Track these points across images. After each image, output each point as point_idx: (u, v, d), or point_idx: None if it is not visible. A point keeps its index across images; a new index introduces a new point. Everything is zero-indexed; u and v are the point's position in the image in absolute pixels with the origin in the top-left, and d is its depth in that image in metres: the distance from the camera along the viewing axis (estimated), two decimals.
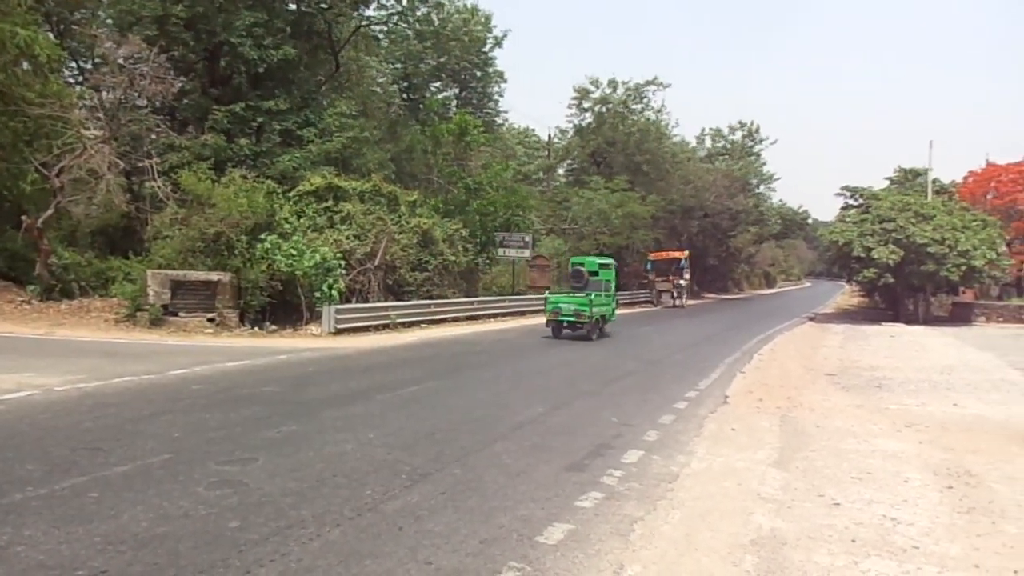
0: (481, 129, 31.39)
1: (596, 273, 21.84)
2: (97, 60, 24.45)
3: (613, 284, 22.57)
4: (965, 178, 45.12)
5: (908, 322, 29.91)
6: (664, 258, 41.92)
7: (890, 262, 28.67)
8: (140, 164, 21.30)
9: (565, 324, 19.47)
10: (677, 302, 40.77)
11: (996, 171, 42.00)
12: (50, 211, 19.45)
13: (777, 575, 4.39)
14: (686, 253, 43.03)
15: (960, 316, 32.15)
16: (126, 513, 4.99)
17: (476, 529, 4.96)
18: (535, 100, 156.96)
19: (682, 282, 41.37)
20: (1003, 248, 31.27)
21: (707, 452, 7.44)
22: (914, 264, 28.82)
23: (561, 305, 19.57)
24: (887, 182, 49.25)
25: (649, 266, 41.81)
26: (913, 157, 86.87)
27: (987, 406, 10.51)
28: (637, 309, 38.53)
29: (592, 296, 19.69)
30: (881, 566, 4.55)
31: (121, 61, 21.37)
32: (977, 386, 12.45)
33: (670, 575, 4.37)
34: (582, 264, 22.66)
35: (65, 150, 19.60)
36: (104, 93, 21.39)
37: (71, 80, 24.98)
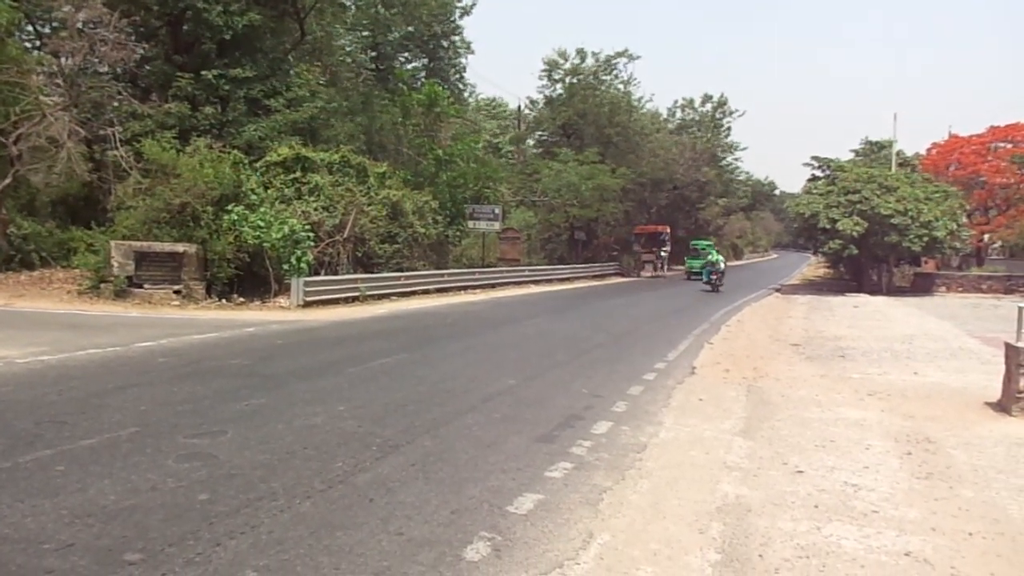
0: (451, 100, 31.01)
1: (704, 249, 39.23)
2: (56, 24, 23.61)
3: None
4: (928, 150, 45.82)
5: (871, 293, 30.45)
6: (649, 232, 46.17)
7: (855, 233, 29.09)
8: (102, 132, 20.75)
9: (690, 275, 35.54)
10: (659, 272, 44.86)
11: (958, 143, 42.66)
12: (8, 180, 18.95)
13: (742, 541, 4.49)
14: (667, 228, 46.72)
15: (921, 286, 32.82)
16: (93, 486, 4.94)
17: (447, 500, 5.00)
18: (506, 71, 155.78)
19: (663, 253, 45.76)
20: (964, 219, 31.88)
21: (675, 422, 7.55)
22: (878, 235, 29.27)
23: (694, 264, 36.71)
24: (853, 154, 49.86)
25: (635, 239, 45.98)
26: (879, 129, 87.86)
27: (946, 374, 10.77)
28: (607, 281, 38.79)
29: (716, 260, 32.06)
30: (842, 530, 4.68)
31: (80, 25, 20.73)
32: (936, 355, 12.74)
33: (638, 543, 4.44)
34: (697, 245, 42.33)
35: (23, 117, 19.02)
36: (63, 59, 20.75)
37: (28, 45, 24.12)
